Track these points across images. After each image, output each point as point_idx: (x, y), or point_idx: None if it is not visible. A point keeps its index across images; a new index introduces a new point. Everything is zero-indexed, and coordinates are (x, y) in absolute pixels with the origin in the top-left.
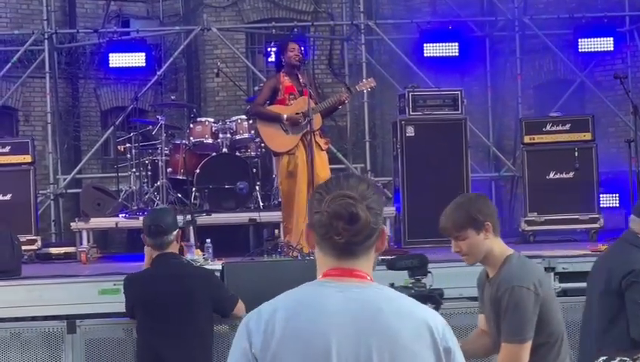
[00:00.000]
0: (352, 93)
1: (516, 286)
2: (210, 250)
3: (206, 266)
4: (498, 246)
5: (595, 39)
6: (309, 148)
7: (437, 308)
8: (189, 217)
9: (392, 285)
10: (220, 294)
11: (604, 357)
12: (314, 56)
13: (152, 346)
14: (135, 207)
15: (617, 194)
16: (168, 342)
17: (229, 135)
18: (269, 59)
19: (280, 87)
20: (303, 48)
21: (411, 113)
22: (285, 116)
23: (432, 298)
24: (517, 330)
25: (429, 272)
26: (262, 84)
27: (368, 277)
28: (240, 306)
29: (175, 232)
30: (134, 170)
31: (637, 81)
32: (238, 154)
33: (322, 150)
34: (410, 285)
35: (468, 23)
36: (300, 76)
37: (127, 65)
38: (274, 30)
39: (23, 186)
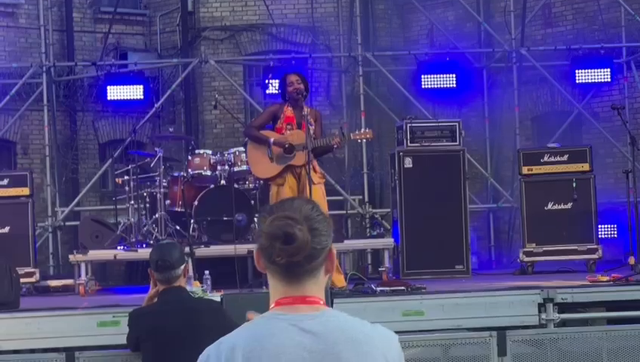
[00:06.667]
0: (345, 139)
1: None
2: (209, 282)
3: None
4: None
5: (592, 70)
6: (299, 180)
7: None
8: (187, 249)
9: None
10: (227, 325)
11: None
12: (312, 88)
13: None
14: (133, 240)
15: (615, 225)
16: None
17: (227, 167)
18: (267, 91)
19: (281, 116)
20: (300, 78)
21: (409, 144)
22: (272, 140)
23: None
24: None
25: None
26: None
27: (321, 302)
28: None
29: (182, 266)
30: (132, 202)
31: (634, 111)
32: (236, 186)
33: (315, 184)
34: None
35: (465, 55)
36: (304, 108)
37: (125, 97)
38: (272, 62)
39: (21, 219)
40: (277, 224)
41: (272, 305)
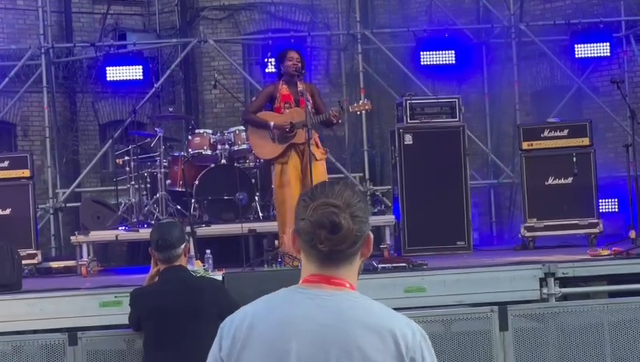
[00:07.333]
0: (344, 112)
1: None
2: (210, 261)
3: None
4: None
5: (592, 45)
6: (302, 158)
7: None
8: (188, 229)
9: None
10: (229, 303)
11: None
12: (311, 66)
13: (162, 359)
14: (135, 220)
15: (616, 199)
16: (179, 354)
17: (227, 146)
18: (266, 70)
19: (277, 95)
20: (300, 57)
21: (409, 121)
22: (272, 124)
23: None
24: None
25: None
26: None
27: (347, 284)
28: None
29: (183, 246)
30: (133, 182)
31: (634, 85)
32: (236, 165)
33: (317, 160)
34: None
35: (464, 31)
36: (299, 85)
37: (124, 78)
38: (270, 41)
39: (22, 201)
40: (322, 212)
41: (300, 282)
